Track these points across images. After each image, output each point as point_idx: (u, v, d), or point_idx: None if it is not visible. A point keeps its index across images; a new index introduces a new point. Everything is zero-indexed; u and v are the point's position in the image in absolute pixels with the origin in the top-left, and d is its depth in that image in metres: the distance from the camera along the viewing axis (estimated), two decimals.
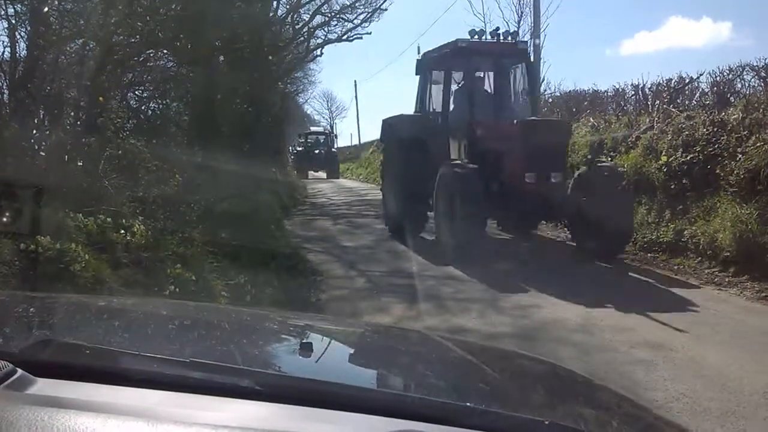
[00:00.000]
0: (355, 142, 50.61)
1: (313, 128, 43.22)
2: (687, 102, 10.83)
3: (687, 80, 11.16)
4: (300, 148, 37.49)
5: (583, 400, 1.56)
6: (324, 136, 39.53)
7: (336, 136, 42.89)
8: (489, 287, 7.07)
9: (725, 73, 10.06)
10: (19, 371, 0.99)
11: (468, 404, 1.16)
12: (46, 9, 6.28)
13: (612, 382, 3.51)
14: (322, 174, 37.09)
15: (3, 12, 6.39)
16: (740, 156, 7.99)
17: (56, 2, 6.66)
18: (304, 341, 1.59)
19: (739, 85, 9.88)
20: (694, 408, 3.86)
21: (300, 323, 2.07)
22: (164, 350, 1.32)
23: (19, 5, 6.52)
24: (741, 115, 8.40)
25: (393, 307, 6.45)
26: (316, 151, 36.57)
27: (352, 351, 1.76)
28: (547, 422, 1.07)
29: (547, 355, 4.21)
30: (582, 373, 1.85)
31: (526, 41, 12.47)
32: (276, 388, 1.05)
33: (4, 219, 4.30)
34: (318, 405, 1.00)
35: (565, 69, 65.59)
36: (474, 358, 1.60)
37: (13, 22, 6.34)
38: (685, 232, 8.52)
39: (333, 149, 39.58)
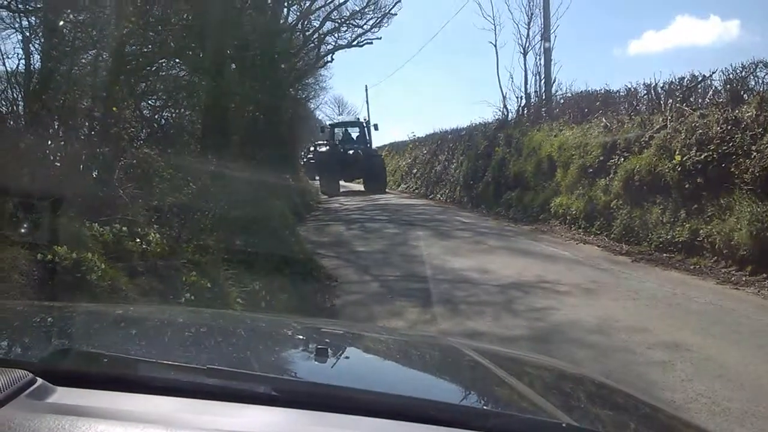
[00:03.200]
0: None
1: (341, 119, 31.51)
2: (700, 100, 10.74)
3: (699, 78, 11.07)
4: (323, 149, 26.87)
5: (599, 401, 1.55)
6: (358, 129, 28.18)
7: (376, 127, 28.49)
8: None
9: (738, 71, 9.97)
10: (39, 380, 1.00)
11: (484, 407, 1.16)
12: (61, 23, 6.34)
13: (629, 384, 3.49)
14: (357, 185, 27.34)
15: (17, 24, 6.47)
16: (755, 154, 7.92)
17: (69, 14, 6.73)
18: (319, 347, 1.59)
19: (753, 83, 9.77)
20: (712, 408, 3.83)
21: (315, 329, 2.08)
22: (181, 358, 1.33)
23: (32, 17, 6.60)
24: (755, 112, 8.33)
25: (407, 311, 6.45)
26: (350, 152, 25.21)
27: (367, 356, 1.77)
28: (564, 425, 1.07)
29: (563, 357, 4.20)
30: (597, 375, 1.84)
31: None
32: (292, 394, 1.06)
33: (22, 230, 4.34)
34: (334, 410, 1.01)
35: (573, 69, 65.26)
36: (489, 361, 1.60)
37: (27, 34, 6.41)
38: (701, 232, 8.46)
39: (373, 147, 28.38)
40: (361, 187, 26.47)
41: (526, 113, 17.79)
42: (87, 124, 6.67)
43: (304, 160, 33.89)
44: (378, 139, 47.56)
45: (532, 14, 18.05)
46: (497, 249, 10.35)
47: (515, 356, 2.19)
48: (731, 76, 10.03)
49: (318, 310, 6.45)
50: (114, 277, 4.32)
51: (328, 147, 26.45)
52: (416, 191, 25.34)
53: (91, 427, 0.87)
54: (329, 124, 30.29)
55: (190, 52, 9.69)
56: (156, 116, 9.63)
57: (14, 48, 6.79)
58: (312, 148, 35.66)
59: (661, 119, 10.50)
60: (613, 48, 76.81)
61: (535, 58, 17.96)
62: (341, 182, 26.24)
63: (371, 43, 25.82)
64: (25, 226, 4.38)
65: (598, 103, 13.91)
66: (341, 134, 28.00)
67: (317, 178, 27.24)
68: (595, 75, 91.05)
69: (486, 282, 7.65)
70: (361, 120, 30.32)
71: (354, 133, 28.00)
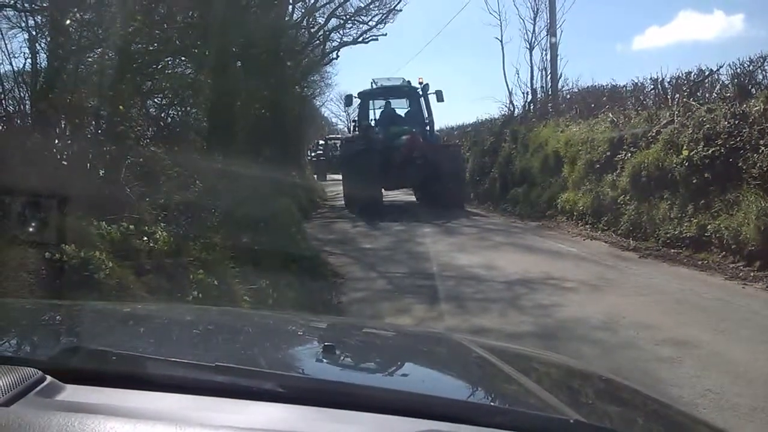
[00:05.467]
0: None
1: (379, 81, 17.60)
2: (707, 95, 10.70)
3: (707, 73, 11.02)
4: (350, 133, 18.82)
5: (607, 398, 1.55)
6: (408, 102, 17.48)
7: (440, 98, 16.90)
8: None
9: (745, 65, 9.92)
10: (49, 378, 1.01)
11: (491, 403, 1.16)
12: (67, 21, 6.36)
13: (637, 380, 3.48)
14: (404, 193, 17.78)
15: (23, 23, 6.49)
16: (763, 148, 7.88)
17: (76, 13, 6.74)
18: (326, 343, 1.59)
19: (760, 76, 9.73)
20: (721, 404, 3.81)
21: (322, 325, 2.08)
22: (189, 355, 1.33)
23: (39, 16, 6.62)
24: (763, 106, 8.28)
25: (414, 307, 6.45)
26: (399, 139, 15.12)
27: (374, 352, 1.77)
28: (571, 421, 1.07)
29: (570, 354, 4.19)
30: (605, 371, 1.84)
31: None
32: (300, 391, 1.06)
33: (29, 228, 4.36)
34: (341, 406, 1.01)
35: (578, 64, 65.03)
36: (496, 357, 1.59)
37: (34, 33, 6.43)
38: (709, 227, 8.42)
39: (434, 131, 17.13)
40: (406, 195, 17.36)
41: (533, 109, 17.76)
42: (93, 122, 6.69)
43: (311, 156, 33.33)
44: None
45: (537, 9, 18.04)
46: (504, 245, 10.34)
47: (522, 352, 2.19)
48: (738, 70, 10.00)
49: (325, 308, 6.45)
50: (121, 275, 4.33)
51: (358, 132, 16.71)
52: None
53: (101, 424, 0.87)
54: (359, 94, 17.57)
55: (196, 50, 9.70)
56: (162, 114, 9.64)
57: (21, 47, 6.81)
58: (322, 142, 33.98)
59: (668, 114, 10.45)
60: (616, 44, 76.42)
61: (541, 54, 17.96)
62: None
63: (376, 39, 25.73)
64: (32, 224, 4.40)
65: (604, 98, 13.88)
66: (380, 108, 17.25)
67: (329, 178, 23.18)
68: (598, 70, 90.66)
69: (492, 279, 7.64)
70: (414, 85, 17.08)
71: (401, 107, 17.29)
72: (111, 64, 7.06)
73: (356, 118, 17.92)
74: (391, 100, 17.42)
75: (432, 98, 16.85)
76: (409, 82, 17.41)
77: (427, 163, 14.82)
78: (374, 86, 17.62)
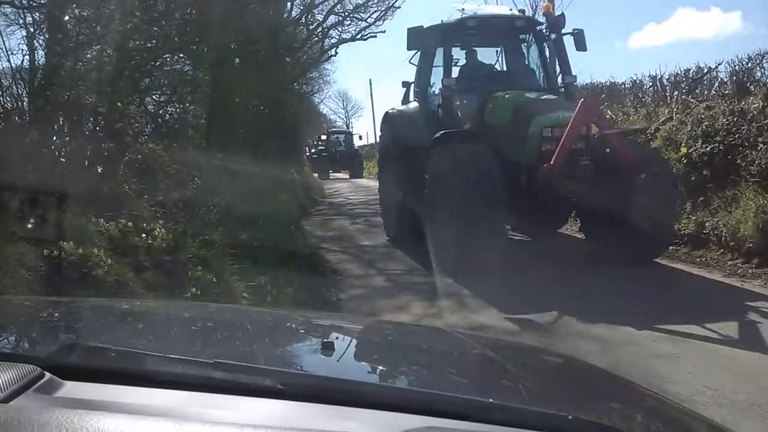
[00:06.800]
0: (372, 140, 49.69)
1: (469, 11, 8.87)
2: (706, 92, 10.71)
3: (705, 70, 11.04)
4: (409, 108, 9.23)
5: (605, 394, 1.55)
6: (505, 48, 9.38)
7: (581, 44, 8.48)
8: None
9: (744, 62, 9.93)
10: (47, 375, 1.01)
11: (489, 400, 1.16)
12: (66, 18, 6.36)
13: (634, 376, 3.48)
14: None
15: (21, 20, 6.50)
16: (761, 146, 7.88)
17: (74, 9, 6.74)
18: (325, 340, 1.60)
19: (759, 74, 9.75)
20: (719, 401, 3.82)
21: (320, 322, 2.08)
22: (188, 351, 1.34)
23: (37, 13, 6.62)
24: (761, 103, 8.29)
25: (412, 304, 6.45)
26: (538, 116, 7.36)
27: (372, 349, 1.77)
28: (570, 417, 1.07)
29: (568, 349, 4.20)
30: (603, 367, 1.84)
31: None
32: (298, 387, 1.06)
33: (28, 225, 4.37)
34: (340, 403, 1.01)
35: (576, 62, 64.94)
36: (494, 353, 1.60)
37: (32, 30, 6.44)
38: (707, 224, 8.41)
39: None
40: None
41: None
42: (92, 119, 6.70)
43: (312, 152, 33.02)
44: None
45: (536, 6, 17.98)
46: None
47: (521, 347, 2.20)
48: (737, 67, 10.01)
49: (323, 304, 6.45)
50: (120, 272, 4.34)
51: (416, 100, 9.21)
52: None
53: (99, 421, 0.87)
54: (426, 31, 8.51)
55: (194, 47, 9.70)
56: (160, 111, 9.66)
57: (19, 44, 6.85)
58: (324, 137, 32.60)
59: (666, 111, 10.45)
60: (613, 41, 76.55)
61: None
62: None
63: (375, 36, 25.55)
64: (31, 221, 4.41)
65: (603, 96, 13.87)
66: (460, 65, 9.14)
67: (333, 176, 22.42)
68: (597, 68, 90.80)
69: None
70: (533, 18, 10.25)
71: (489, 53, 9.53)
72: (109, 61, 7.07)
73: (413, 80, 9.46)
74: (483, 45, 9.48)
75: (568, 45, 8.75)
76: (522, 11, 10.45)
77: (610, 169, 7.31)
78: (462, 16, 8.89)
